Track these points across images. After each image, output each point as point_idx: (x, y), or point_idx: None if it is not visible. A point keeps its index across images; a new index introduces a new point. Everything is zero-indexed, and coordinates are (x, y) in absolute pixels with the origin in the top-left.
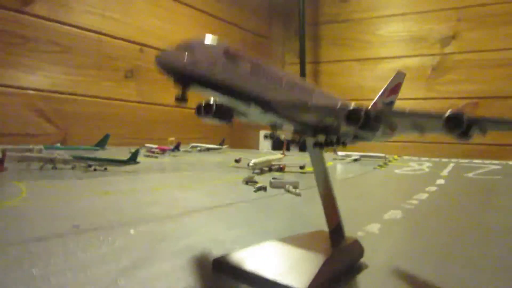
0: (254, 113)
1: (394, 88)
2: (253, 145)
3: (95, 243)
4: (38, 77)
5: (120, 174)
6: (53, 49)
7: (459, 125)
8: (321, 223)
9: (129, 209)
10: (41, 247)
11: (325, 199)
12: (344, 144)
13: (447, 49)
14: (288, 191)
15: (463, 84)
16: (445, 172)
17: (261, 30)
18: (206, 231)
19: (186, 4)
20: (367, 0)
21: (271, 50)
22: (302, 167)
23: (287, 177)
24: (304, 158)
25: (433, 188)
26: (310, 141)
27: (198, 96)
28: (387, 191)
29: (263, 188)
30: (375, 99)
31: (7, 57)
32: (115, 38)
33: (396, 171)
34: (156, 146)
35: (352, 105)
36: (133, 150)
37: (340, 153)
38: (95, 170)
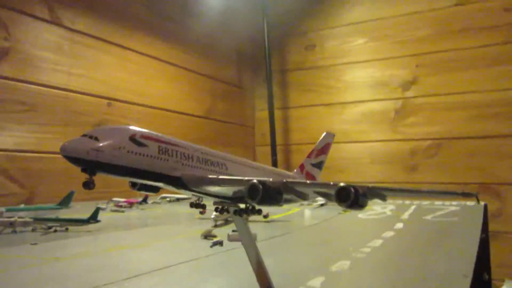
0: (171, 188)
1: (323, 149)
2: None
3: None
4: (2, 137)
5: (80, 235)
6: (19, 109)
7: (347, 197)
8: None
9: (73, 277)
10: None
11: (253, 264)
12: (259, 212)
13: (408, 93)
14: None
15: (425, 126)
16: (405, 215)
17: (231, 79)
18: None
19: (154, 57)
20: (331, 48)
21: (243, 97)
22: (265, 216)
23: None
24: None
25: (390, 234)
26: (231, 209)
27: None
28: (344, 238)
29: (220, 243)
30: (302, 161)
31: None
32: (82, 93)
33: (360, 215)
34: (123, 199)
35: (254, 180)
36: (102, 205)
37: None
38: (55, 231)
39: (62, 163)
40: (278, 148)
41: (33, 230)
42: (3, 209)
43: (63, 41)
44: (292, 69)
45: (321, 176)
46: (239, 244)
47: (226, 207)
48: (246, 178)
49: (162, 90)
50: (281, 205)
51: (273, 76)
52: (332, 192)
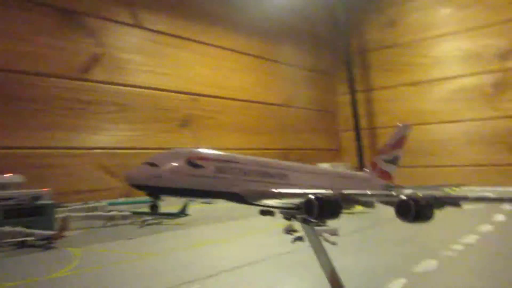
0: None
1: (398, 142)
2: None
3: None
4: (101, 136)
5: (171, 228)
6: (113, 109)
7: (408, 212)
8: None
9: (161, 274)
10: None
11: (325, 270)
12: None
13: (508, 64)
14: (325, 239)
15: None
16: (508, 206)
17: (310, 64)
18: None
19: (232, 50)
20: (413, 23)
21: (323, 82)
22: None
23: (330, 222)
24: None
25: (487, 228)
26: (298, 218)
27: None
28: (432, 232)
29: (300, 238)
30: (373, 159)
31: (73, 121)
32: (167, 91)
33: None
34: None
35: (311, 196)
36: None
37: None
38: (149, 224)
39: None
40: (363, 132)
41: (131, 223)
42: (105, 203)
43: (146, 43)
44: (373, 48)
45: (398, 170)
46: (320, 239)
47: (293, 216)
48: (304, 191)
49: (242, 81)
50: (338, 217)
51: (353, 57)
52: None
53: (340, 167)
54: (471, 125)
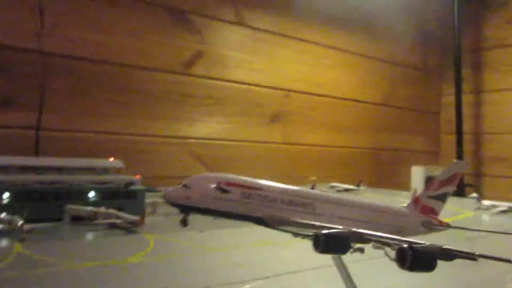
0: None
1: (449, 179)
2: (404, 183)
3: None
4: (196, 127)
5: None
6: (209, 102)
7: (405, 260)
8: None
9: (215, 271)
10: None
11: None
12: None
13: None
14: (386, 254)
15: None
16: None
17: (414, 62)
18: None
19: (330, 47)
20: None
21: (427, 81)
22: None
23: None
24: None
25: None
26: None
27: None
28: None
29: (361, 250)
30: (417, 193)
31: (173, 112)
32: (261, 86)
33: None
34: None
35: (320, 231)
36: None
37: (485, 202)
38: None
39: (244, 149)
40: (467, 136)
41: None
42: None
43: (246, 40)
44: (489, 47)
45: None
46: (382, 252)
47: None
48: (319, 224)
49: (338, 78)
50: (345, 253)
51: (465, 56)
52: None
53: (435, 171)
54: None
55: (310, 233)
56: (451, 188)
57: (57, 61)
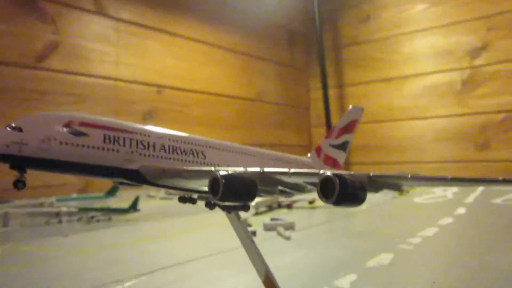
0: (130, 183)
1: (347, 126)
2: None
3: None
4: None
5: (118, 224)
6: (69, 100)
7: (332, 192)
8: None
9: (83, 273)
10: None
11: (255, 265)
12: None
13: (477, 61)
14: (279, 234)
15: (498, 96)
16: (470, 199)
17: (283, 59)
18: None
19: (201, 42)
20: (387, 18)
21: (296, 77)
22: (311, 202)
23: (291, 216)
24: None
25: (448, 221)
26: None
27: None
28: (393, 226)
29: (253, 233)
30: (321, 143)
31: (26, 112)
32: (131, 82)
33: (416, 199)
34: None
35: (218, 173)
36: (152, 193)
37: None
38: (98, 221)
39: None
40: None
41: (78, 220)
42: (53, 199)
43: (110, 31)
44: (346, 44)
45: (348, 158)
46: (274, 233)
47: (212, 202)
48: (214, 169)
49: (211, 74)
50: (253, 200)
51: (327, 53)
52: (317, 183)
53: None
54: (440, 121)
55: (204, 189)
56: (351, 136)
57: None
